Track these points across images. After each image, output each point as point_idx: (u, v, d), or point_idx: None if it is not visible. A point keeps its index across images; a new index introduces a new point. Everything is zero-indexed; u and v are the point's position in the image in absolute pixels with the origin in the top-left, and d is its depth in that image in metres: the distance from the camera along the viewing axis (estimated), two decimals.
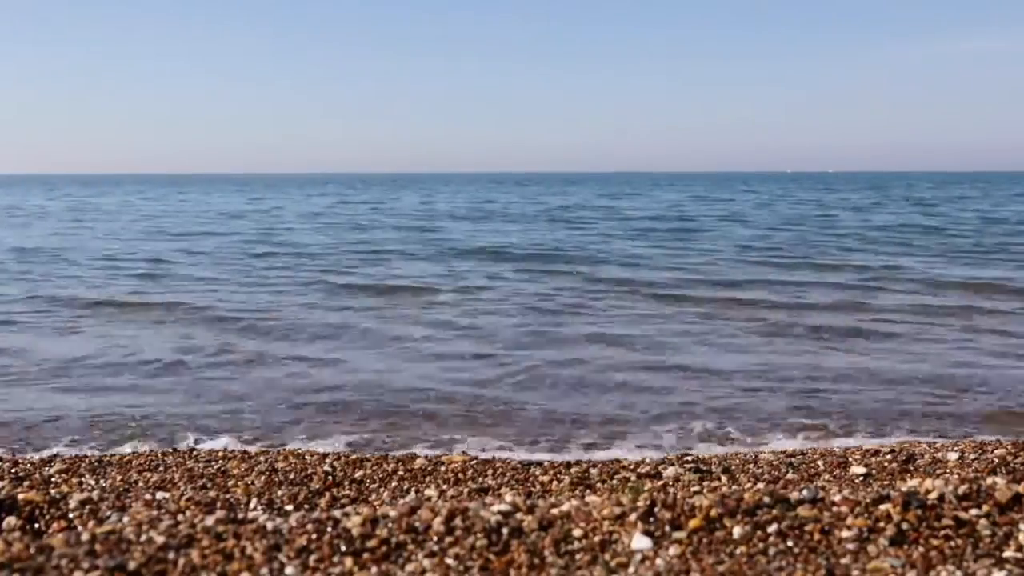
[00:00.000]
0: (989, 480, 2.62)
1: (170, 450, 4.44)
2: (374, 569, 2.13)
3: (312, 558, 2.17)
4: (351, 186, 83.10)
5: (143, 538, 2.20)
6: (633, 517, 2.38)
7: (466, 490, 3.77)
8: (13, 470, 4.00)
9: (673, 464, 4.21)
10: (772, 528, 2.33)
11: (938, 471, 3.99)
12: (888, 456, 4.31)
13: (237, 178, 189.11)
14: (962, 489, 2.50)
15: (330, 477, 3.91)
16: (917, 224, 23.41)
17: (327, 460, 4.19)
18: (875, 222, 24.64)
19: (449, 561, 2.17)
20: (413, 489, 3.79)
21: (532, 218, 27.67)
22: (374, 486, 3.82)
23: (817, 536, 2.30)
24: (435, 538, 2.27)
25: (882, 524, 2.34)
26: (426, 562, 2.17)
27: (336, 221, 26.56)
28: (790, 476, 4.00)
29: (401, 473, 4.00)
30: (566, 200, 42.89)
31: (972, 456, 4.22)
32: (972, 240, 18.18)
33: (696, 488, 3.74)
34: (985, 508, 2.42)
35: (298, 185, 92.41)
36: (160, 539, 2.19)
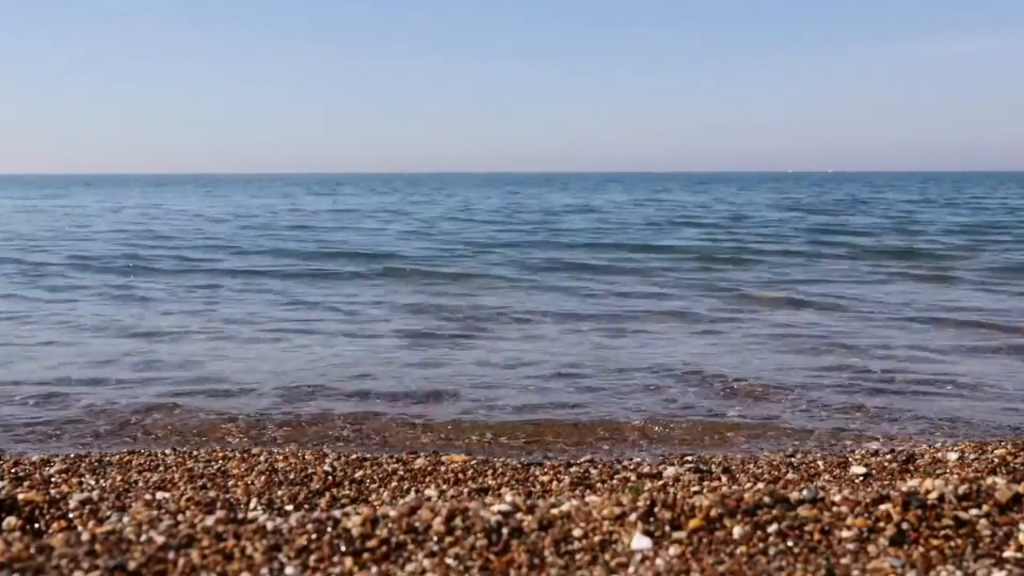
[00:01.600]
0: (989, 480, 2.62)
1: (170, 450, 4.44)
2: (374, 569, 2.13)
3: (312, 558, 2.17)
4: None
5: (143, 538, 2.20)
6: (633, 517, 2.38)
7: (466, 490, 3.77)
8: (13, 470, 4.00)
9: (673, 464, 4.21)
10: (772, 528, 2.33)
11: (938, 471, 3.99)
12: (888, 456, 4.31)
13: (238, 178, 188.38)
14: (962, 489, 2.50)
15: (330, 477, 3.91)
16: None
17: (327, 460, 4.19)
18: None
19: (449, 561, 2.18)
20: (413, 489, 3.79)
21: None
22: (374, 486, 3.82)
23: (817, 536, 2.30)
24: (435, 538, 2.28)
25: (882, 524, 2.35)
26: (426, 562, 2.17)
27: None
28: (790, 476, 4.00)
29: (401, 473, 4.00)
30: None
31: (972, 456, 4.22)
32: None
33: (696, 488, 3.73)
34: (985, 508, 2.43)
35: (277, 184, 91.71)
36: (160, 539, 2.19)
